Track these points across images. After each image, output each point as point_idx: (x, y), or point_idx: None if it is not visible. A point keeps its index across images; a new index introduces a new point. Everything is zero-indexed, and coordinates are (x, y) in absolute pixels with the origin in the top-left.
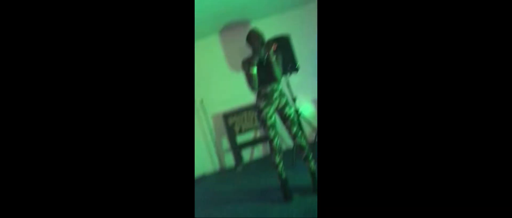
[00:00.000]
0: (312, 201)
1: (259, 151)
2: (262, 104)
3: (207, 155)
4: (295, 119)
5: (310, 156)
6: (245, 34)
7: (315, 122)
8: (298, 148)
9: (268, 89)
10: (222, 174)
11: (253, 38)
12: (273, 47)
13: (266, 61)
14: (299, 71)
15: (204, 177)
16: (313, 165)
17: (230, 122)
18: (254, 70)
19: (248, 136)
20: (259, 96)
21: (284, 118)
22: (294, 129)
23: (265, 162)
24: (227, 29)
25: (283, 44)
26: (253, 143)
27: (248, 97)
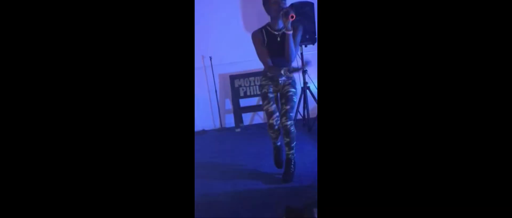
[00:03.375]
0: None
1: (259, 118)
2: (266, 82)
3: (209, 112)
4: (292, 98)
5: (293, 144)
6: None
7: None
8: (283, 130)
9: (276, 72)
10: (222, 131)
11: (272, 2)
12: (290, 17)
13: (280, 36)
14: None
15: (204, 131)
16: (292, 154)
17: (236, 84)
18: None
19: (252, 101)
20: (265, 77)
21: (281, 94)
22: (287, 107)
23: (264, 128)
24: None
25: (306, 11)
26: (255, 109)
27: (258, 63)
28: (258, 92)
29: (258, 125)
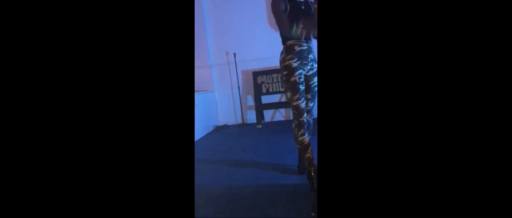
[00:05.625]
0: None
1: (280, 115)
2: (294, 63)
3: (231, 108)
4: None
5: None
6: None
7: None
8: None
9: (304, 46)
10: (243, 127)
11: None
12: None
13: (304, 4)
14: None
15: (226, 126)
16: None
17: (259, 81)
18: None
19: (274, 98)
20: (290, 52)
21: (307, 87)
22: (311, 104)
23: (285, 125)
24: None
25: None
26: (276, 106)
27: None
28: (281, 89)
29: (279, 122)
